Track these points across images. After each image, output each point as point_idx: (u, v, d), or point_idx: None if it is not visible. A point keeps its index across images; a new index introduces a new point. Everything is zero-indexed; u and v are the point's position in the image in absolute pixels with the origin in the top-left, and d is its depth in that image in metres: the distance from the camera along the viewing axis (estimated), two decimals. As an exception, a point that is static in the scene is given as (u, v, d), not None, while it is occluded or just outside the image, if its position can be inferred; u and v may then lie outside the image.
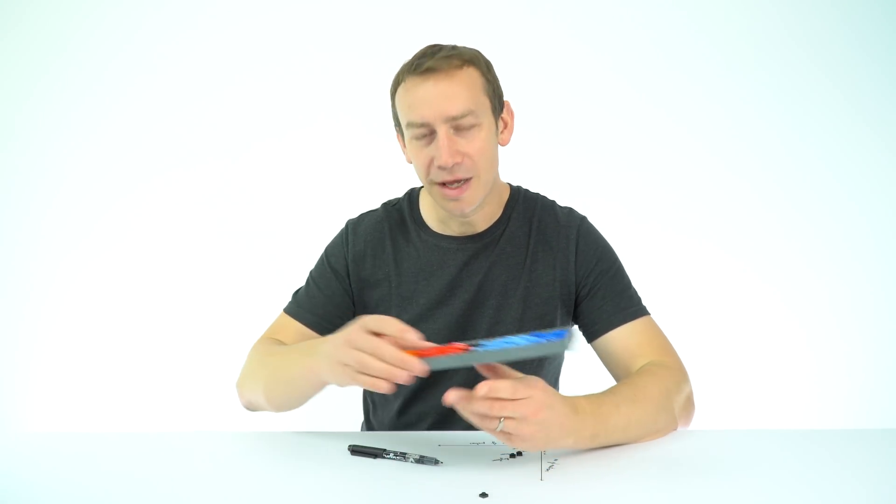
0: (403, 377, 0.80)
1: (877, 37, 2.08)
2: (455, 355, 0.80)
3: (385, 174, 1.72)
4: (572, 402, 0.86)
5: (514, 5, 2.15)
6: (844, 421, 2.09)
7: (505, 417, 0.79)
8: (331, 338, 0.89)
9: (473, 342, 0.84)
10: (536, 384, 0.82)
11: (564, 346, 0.80)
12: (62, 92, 2.20)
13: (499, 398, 0.79)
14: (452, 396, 0.79)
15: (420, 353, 0.81)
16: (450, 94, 1.03)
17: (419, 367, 0.80)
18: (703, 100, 2.14)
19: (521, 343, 0.81)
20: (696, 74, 2.14)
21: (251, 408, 1.11)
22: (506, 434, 0.81)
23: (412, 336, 0.81)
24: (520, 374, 0.85)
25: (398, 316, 0.93)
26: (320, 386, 0.97)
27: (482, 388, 0.78)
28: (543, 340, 0.80)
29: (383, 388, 0.81)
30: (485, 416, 0.80)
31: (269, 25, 2.17)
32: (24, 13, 2.18)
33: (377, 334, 0.82)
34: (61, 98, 2.20)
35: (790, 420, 2.10)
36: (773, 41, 2.12)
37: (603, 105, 2.16)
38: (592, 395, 0.91)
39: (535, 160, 2.07)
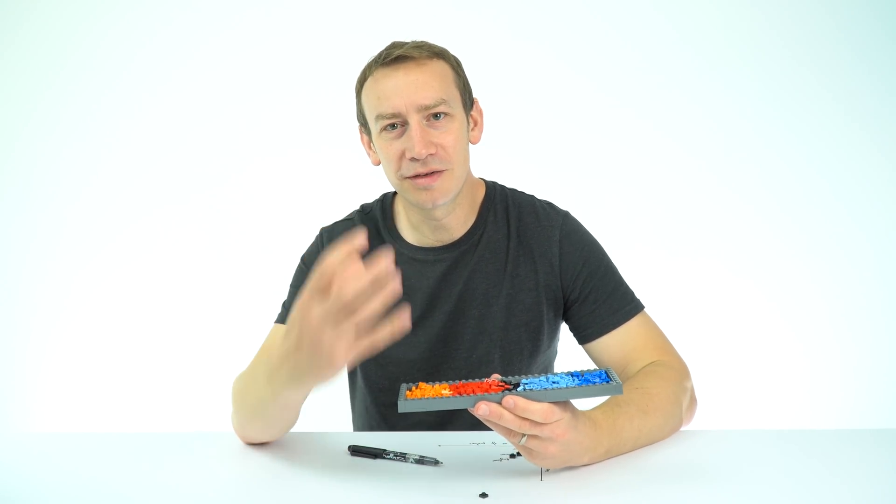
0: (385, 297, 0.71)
1: (870, 43, 2.08)
2: (494, 394, 0.76)
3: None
4: (592, 418, 0.84)
5: (506, 17, 2.16)
6: (839, 421, 2.10)
7: (530, 435, 0.77)
8: (283, 346, 0.76)
9: (514, 379, 0.82)
10: (566, 406, 0.78)
11: (617, 391, 0.76)
12: (54, 125, 2.23)
13: (529, 419, 0.75)
14: (483, 410, 0.75)
15: (458, 390, 0.80)
16: (421, 83, 1.00)
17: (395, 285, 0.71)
18: (695, 102, 2.15)
19: (566, 384, 0.78)
20: (686, 76, 2.15)
21: (250, 441, 1.01)
22: (527, 450, 0.79)
23: (348, 248, 0.70)
24: None
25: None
26: (301, 396, 0.89)
27: (510, 401, 0.75)
28: (592, 383, 0.77)
29: (396, 328, 0.71)
30: (511, 431, 0.77)
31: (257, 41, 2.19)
32: (26, 23, 2.19)
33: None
34: (60, 119, 2.23)
35: (785, 421, 2.11)
36: (761, 42, 2.12)
37: (602, 107, 2.16)
38: (607, 406, 0.89)
39: (533, 165, 2.09)
